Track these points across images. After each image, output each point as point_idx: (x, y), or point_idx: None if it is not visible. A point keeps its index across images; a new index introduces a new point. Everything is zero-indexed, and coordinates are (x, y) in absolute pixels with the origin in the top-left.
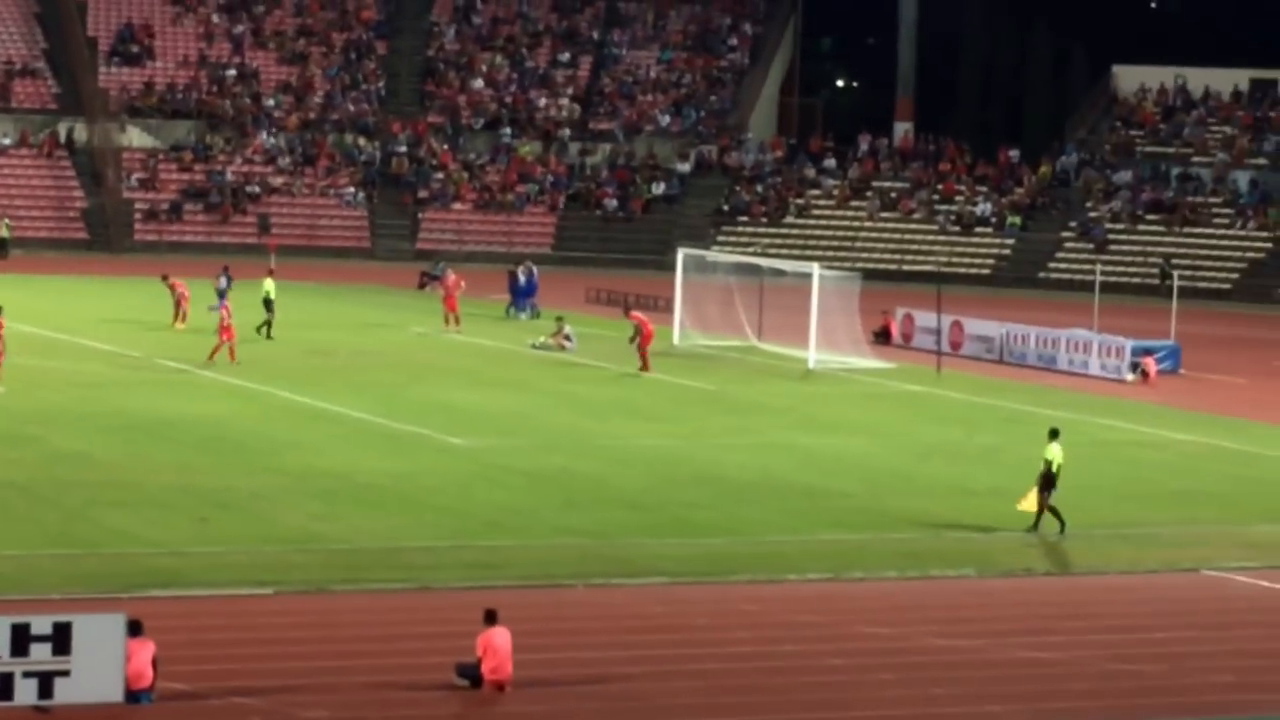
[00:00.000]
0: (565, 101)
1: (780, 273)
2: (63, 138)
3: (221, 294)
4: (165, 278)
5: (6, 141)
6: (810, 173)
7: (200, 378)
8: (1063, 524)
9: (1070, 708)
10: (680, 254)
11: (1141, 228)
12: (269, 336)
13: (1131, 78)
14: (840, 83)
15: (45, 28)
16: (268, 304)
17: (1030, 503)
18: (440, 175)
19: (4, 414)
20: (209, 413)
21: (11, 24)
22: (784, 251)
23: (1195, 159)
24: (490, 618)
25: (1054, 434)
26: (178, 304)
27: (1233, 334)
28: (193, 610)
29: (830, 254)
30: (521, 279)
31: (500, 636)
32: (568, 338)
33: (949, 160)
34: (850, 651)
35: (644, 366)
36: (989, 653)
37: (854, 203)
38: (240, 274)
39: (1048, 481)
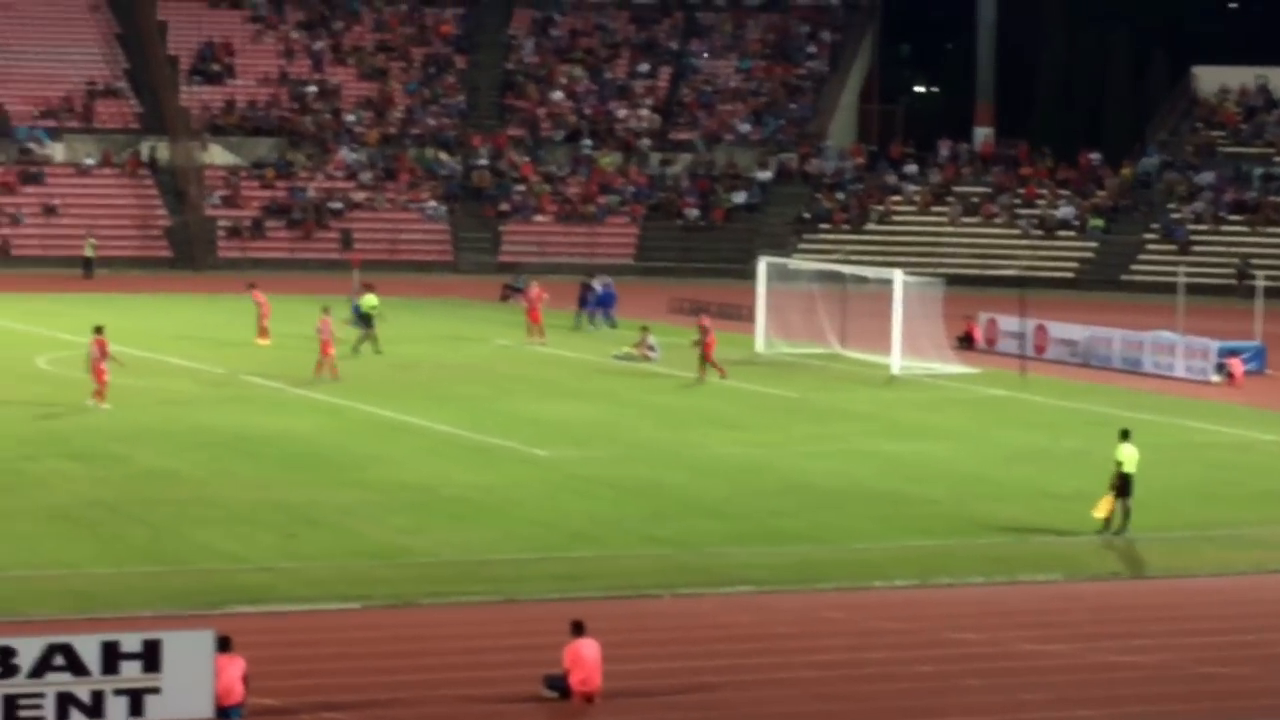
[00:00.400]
0: (645, 112)
1: (863, 279)
2: (145, 157)
3: (358, 309)
4: (251, 286)
5: (90, 162)
6: (891, 179)
7: (285, 393)
8: (1112, 526)
9: (1160, 711)
10: (762, 262)
11: (1224, 228)
12: (377, 351)
13: (1212, 79)
14: (920, 88)
15: (127, 48)
16: (367, 319)
17: (1105, 508)
18: (521, 188)
19: (91, 433)
20: (294, 428)
21: (93, 45)
22: (866, 258)
23: (1277, 159)
24: (578, 629)
25: (1125, 435)
26: (259, 318)
27: None
28: (281, 626)
29: (912, 260)
30: (599, 289)
31: (588, 648)
32: (651, 348)
33: (1030, 164)
34: (938, 658)
35: (703, 373)
36: (1078, 657)
37: (935, 208)
38: (326, 289)
39: (1121, 483)
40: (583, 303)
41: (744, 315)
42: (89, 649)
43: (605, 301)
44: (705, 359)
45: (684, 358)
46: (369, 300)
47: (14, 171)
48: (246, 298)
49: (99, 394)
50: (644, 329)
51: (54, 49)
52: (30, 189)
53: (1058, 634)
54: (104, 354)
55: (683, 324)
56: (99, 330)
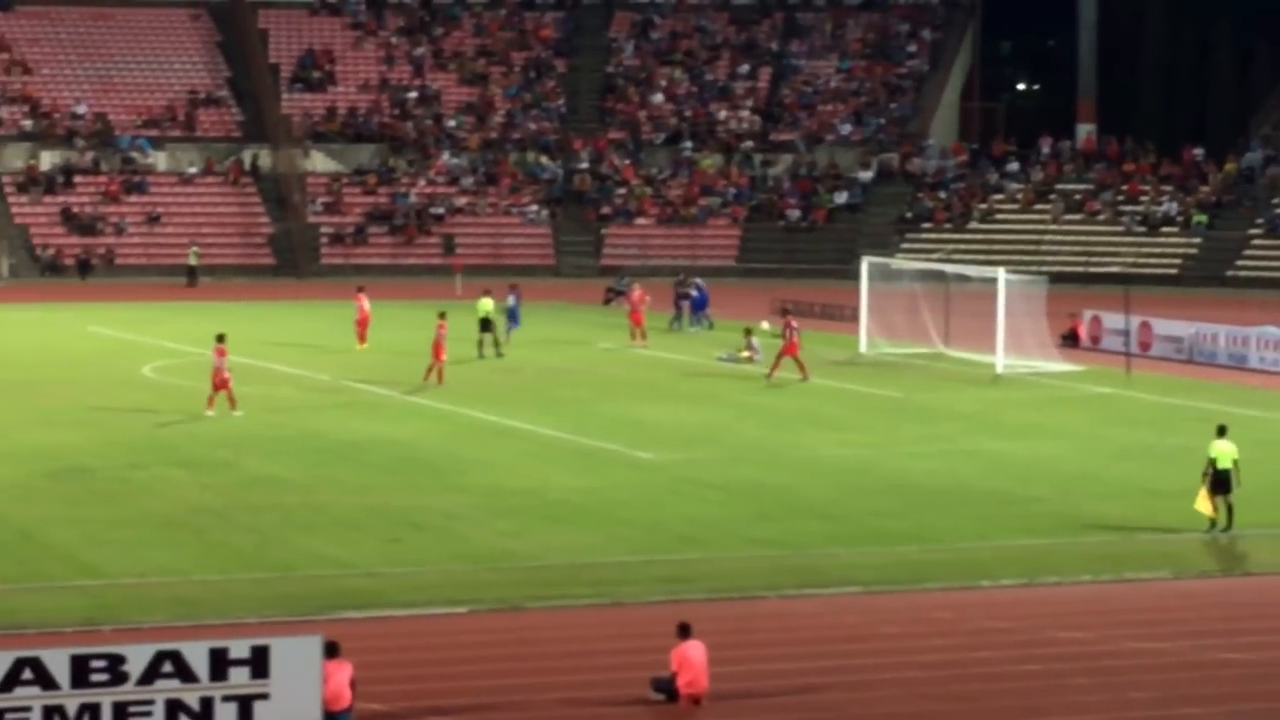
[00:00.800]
0: (746, 113)
1: (965, 278)
2: (248, 165)
3: (513, 313)
4: (360, 290)
5: (193, 170)
6: (993, 177)
7: (390, 399)
8: (1217, 523)
9: (1269, 709)
10: (864, 262)
11: None
12: (499, 355)
13: None
14: (1021, 86)
15: (228, 56)
16: (485, 324)
17: (1204, 503)
18: (622, 191)
19: (197, 440)
20: (398, 434)
21: (195, 54)
22: (968, 257)
23: None
24: (684, 631)
25: (1221, 431)
26: (359, 323)
27: None
28: (387, 630)
29: (1015, 258)
30: (694, 292)
31: (695, 650)
32: (754, 349)
33: (1133, 160)
34: (1045, 656)
35: (774, 370)
36: (1186, 655)
37: (1038, 206)
38: (429, 295)
39: (1217, 480)
40: (680, 305)
41: (846, 316)
42: (198, 656)
43: (701, 304)
44: (786, 354)
45: (787, 360)
46: (485, 304)
47: (118, 181)
48: (352, 302)
49: (223, 401)
50: (748, 331)
51: (156, 59)
52: (134, 198)
53: (1165, 632)
54: (223, 362)
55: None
56: (220, 339)
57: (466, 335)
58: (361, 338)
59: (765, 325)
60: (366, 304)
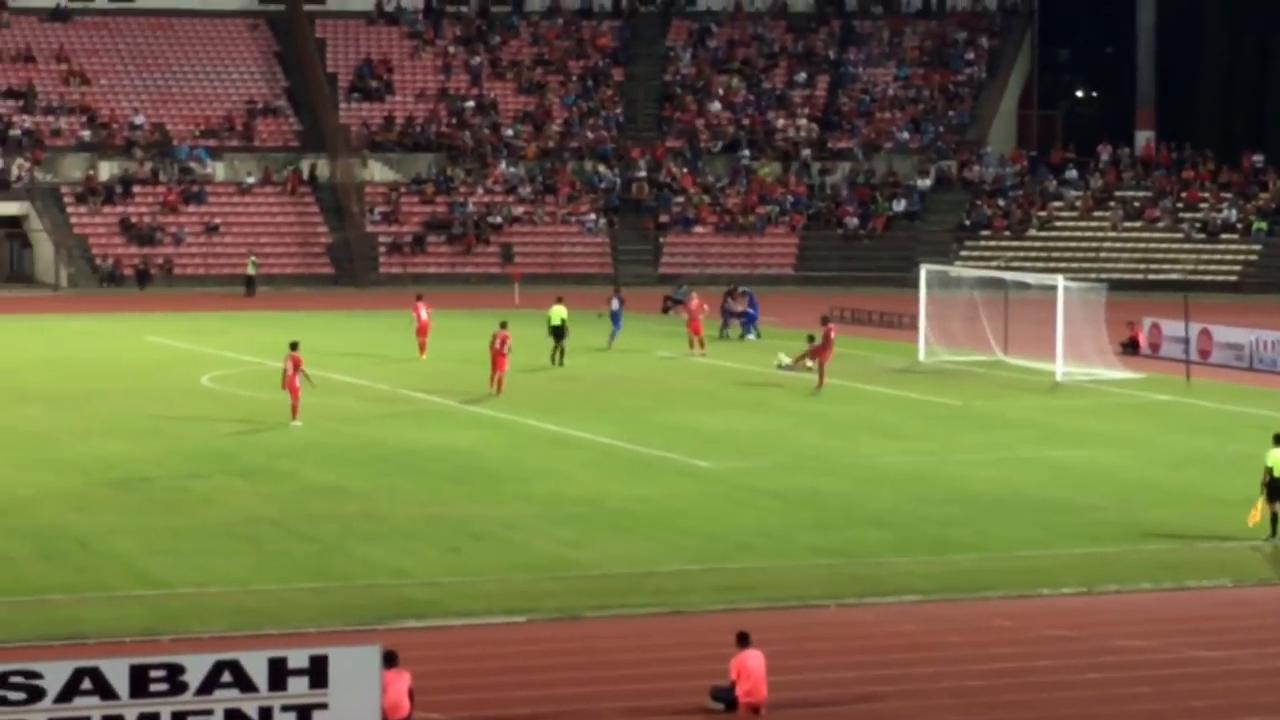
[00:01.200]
0: (803, 121)
1: (1025, 285)
2: (306, 175)
3: (615, 316)
4: (419, 298)
5: (251, 180)
6: (1052, 184)
7: (449, 408)
8: (1274, 532)
9: None
10: (923, 270)
11: None
12: (560, 363)
13: None
14: (1079, 93)
15: (285, 66)
16: (558, 331)
17: (1258, 514)
18: (680, 199)
19: (256, 449)
20: (457, 443)
21: (253, 64)
22: (1027, 264)
23: None
24: (743, 640)
25: (1278, 439)
26: (418, 331)
27: None
28: (447, 640)
29: (1074, 265)
30: (750, 309)
31: (754, 659)
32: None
33: (1192, 167)
34: (1107, 665)
35: (819, 380)
36: (1247, 663)
37: (1097, 213)
38: (485, 304)
39: (1272, 487)
40: (728, 315)
41: (905, 324)
42: (256, 665)
43: (752, 320)
44: (811, 356)
45: (846, 367)
46: (558, 311)
47: (176, 191)
48: (408, 311)
49: (294, 410)
50: (811, 339)
51: (214, 69)
52: (192, 208)
53: (1226, 640)
54: (297, 370)
55: (843, 333)
56: (294, 347)
57: (526, 344)
58: (421, 347)
59: (784, 358)
60: (425, 313)
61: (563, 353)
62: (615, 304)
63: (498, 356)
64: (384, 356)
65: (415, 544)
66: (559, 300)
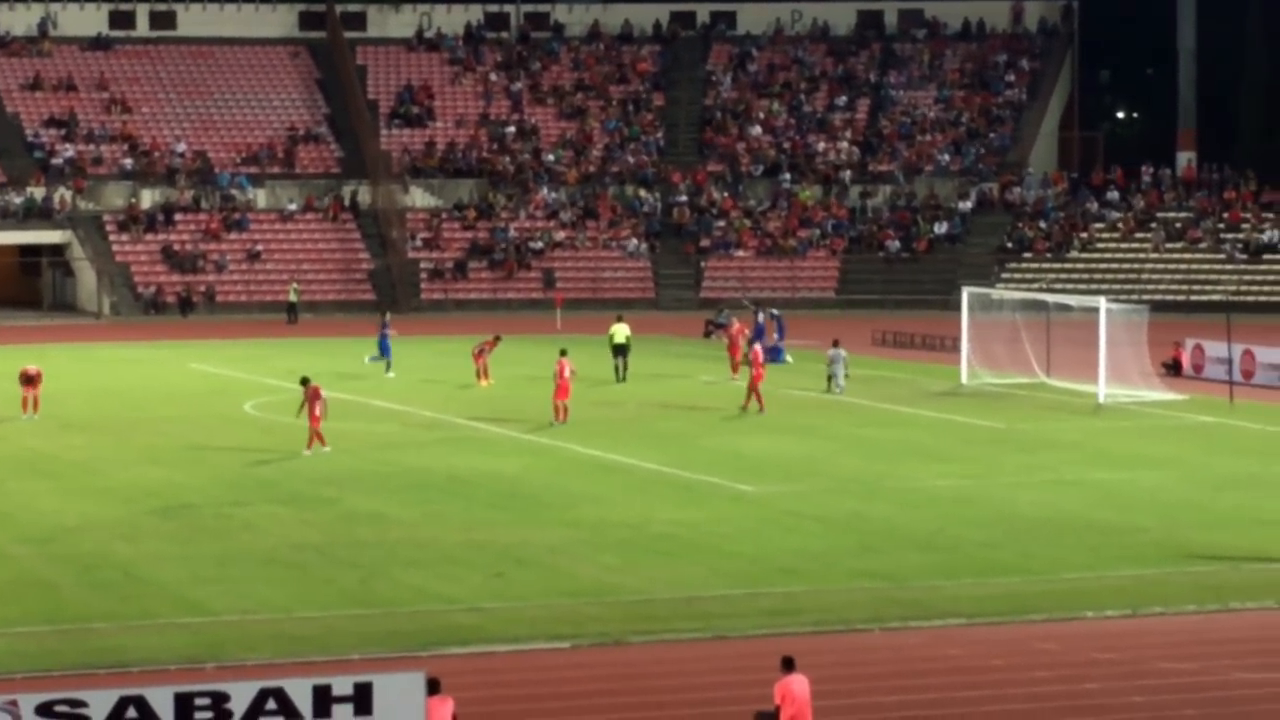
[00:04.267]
0: (844, 145)
1: (1067, 307)
2: (347, 201)
3: (760, 330)
4: (564, 353)
5: (293, 207)
6: (1093, 206)
7: (491, 434)
8: None
9: None
10: (965, 293)
11: None
12: (623, 379)
13: None
14: (1120, 114)
15: (326, 93)
16: (620, 349)
17: None
18: (721, 223)
19: (300, 477)
20: (501, 468)
21: (294, 91)
22: (1069, 286)
23: None
24: (788, 664)
25: None
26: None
27: None
28: (491, 666)
29: (1116, 287)
30: (781, 343)
31: (799, 684)
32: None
33: (1234, 188)
34: (1152, 688)
35: (755, 402)
36: None
37: (1139, 234)
38: (529, 329)
39: None
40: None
41: (947, 346)
42: (301, 693)
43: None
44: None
45: (889, 390)
46: (620, 330)
47: (218, 219)
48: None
49: (318, 437)
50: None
51: (255, 96)
52: (234, 235)
53: (1272, 662)
54: (316, 400)
55: (886, 356)
56: (305, 381)
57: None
58: (483, 374)
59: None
60: (568, 370)
61: (625, 368)
62: (761, 317)
63: (563, 384)
64: (428, 382)
65: (459, 570)
66: (619, 319)
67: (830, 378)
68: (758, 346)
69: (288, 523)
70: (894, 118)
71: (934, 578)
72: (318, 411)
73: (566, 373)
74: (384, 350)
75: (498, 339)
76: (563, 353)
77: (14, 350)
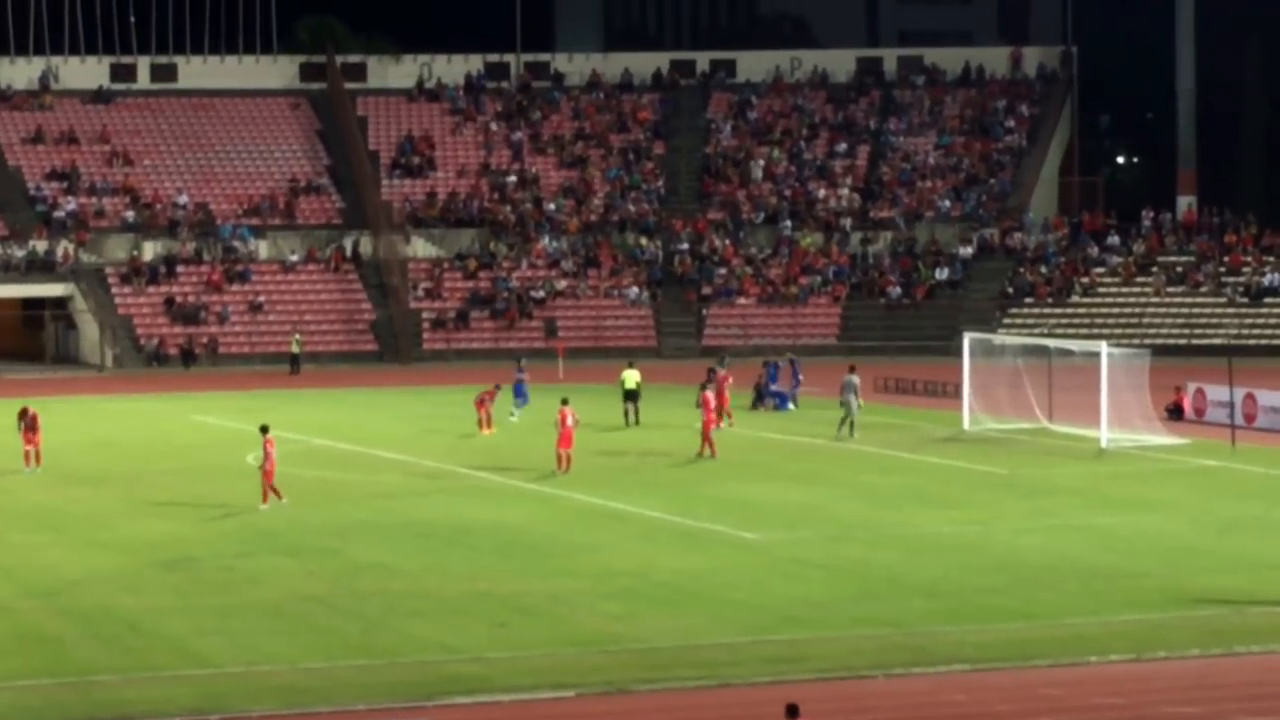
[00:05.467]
0: (845, 191)
1: (1068, 352)
2: (349, 252)
3: (795, 373)
4: (565, 402)
5: (294, 258)
6: (1094, 251)
7: (493, 484)
8: None
9: None
10: (966, 338)
11: None
12: (636, 422)
13: None
14: (1120, 159)
15: (327, 144)
16: (631, 395)
17: None
18: (723, 271)
19: (302, 528)
20: (504, 518)
21: (295, 142)
22: (1071, 331)
23: None
24: (792, 712)
25: None
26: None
27: None
28: (495, 716)
29: (1118, 331)
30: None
31: None
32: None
33: (1234, 232)
34: None
35: (707, 449)
36: None
37: (1139, 279)
38: (532, 378)
39: None
40: (765, 393)
41: (949, 392)
42: None
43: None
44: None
45: (891, 437)
46: (631, 376)
47: (220, 270)
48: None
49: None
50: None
51: (256, 148)
52: (235, 287)
53: (1277, 706)
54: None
55: (888, 403)
56: (265, 430)
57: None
58: (485, 423)
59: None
60: (571, 419)
61: (637, 413)
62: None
63: (566, 433)
64: (430, 432)
65: (462, 620)
66: (630, 365)
67: (843, 405)
68: (708, 393)
69: (291, 574)
70: (894, 164)
71: (938, 624)
72: (269, 465)
73: (569, 421)
74: (521, 396)
75: (498, 388)
76: (564, 401)
77: (17, 403)
